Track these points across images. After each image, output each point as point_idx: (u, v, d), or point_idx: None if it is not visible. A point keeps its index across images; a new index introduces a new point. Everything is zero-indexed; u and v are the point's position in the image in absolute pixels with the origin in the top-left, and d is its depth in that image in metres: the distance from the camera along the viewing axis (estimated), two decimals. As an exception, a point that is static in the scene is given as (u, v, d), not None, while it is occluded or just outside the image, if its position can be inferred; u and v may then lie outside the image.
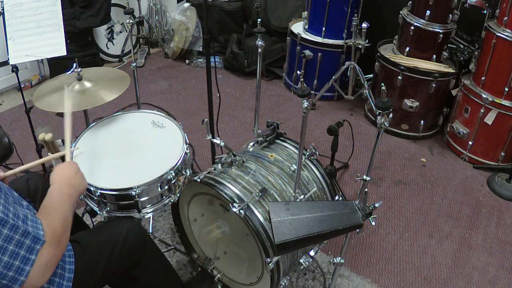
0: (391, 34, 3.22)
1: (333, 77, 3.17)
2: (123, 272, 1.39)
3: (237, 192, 1.57)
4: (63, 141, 1.99)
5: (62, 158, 1.52)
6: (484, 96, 2.69)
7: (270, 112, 3.36)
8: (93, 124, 1.78)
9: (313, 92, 3.36)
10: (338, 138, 2.47)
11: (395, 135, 3.16)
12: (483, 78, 2.72)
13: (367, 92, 3.09)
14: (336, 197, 1.86)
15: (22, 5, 1.85)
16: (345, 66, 3.12)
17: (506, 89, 2.62)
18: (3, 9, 1.84)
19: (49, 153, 2.14)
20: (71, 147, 1.50)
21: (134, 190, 1.48)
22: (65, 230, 1.14)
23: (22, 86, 2.45)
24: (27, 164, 1.44)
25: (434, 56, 2.95)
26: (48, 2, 1.88)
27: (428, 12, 2.81)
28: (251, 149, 1.87)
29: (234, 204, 1.50)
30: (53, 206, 1.16)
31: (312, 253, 1.67)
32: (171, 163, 1.55)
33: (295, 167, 1.70)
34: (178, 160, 1.57)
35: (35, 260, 1.04)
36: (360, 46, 2.99)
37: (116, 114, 1.83)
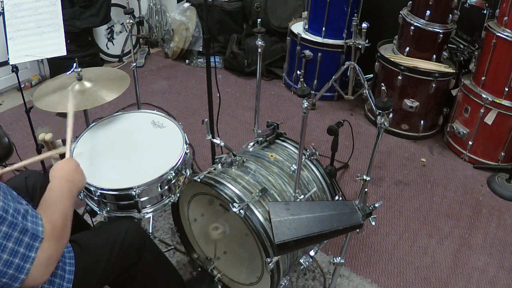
0: (391, 34, 3.22)
1: (333, 77, 3.17)
2: (122, 271, 1.39)
3: (237, 192, 1.57)
4: (63, 141, 1.99)
5: (62, 156, 1.52)
6: (484, 96, 2.69)
7: (270, 112, 3.36)
8: (93, 124, 1.78)
9: (313, 92, 3.36)
10: (338, 138, 2.47)
11: (395, 135, 3.16)
12: (483, 78, 2.72)
13: (367, 92, 3.09)
14: (336, 197, 1.86)
15: (22, 5, 1.85)
16: (345, 66, 3.12)
17: (506, 89, 2.62)
18: (3, 9, 1.84)
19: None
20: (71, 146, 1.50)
21: (134, 190, 1.48)
22: (65, 226, 1.14)
23: (22, 86, 2.45)
24: (25, 161, 1.42)
25: (434, 56, 2.95)
26: (48, 2, 1.88)
27: (428, 12, 2.81)
28: (251, 149, 1.87)
29: (234, 204, 1.50)
30: (53, 202, 1.17)
31: (312, 253, 1.67)
32: (171, 163, 1.55)
33: (295, 167, 1.70)
34: (178, 160, 1.57)
35: (35, 257, 1.04)
36: (360, 46, 2.99)
37: (116, 114, 1.83)
